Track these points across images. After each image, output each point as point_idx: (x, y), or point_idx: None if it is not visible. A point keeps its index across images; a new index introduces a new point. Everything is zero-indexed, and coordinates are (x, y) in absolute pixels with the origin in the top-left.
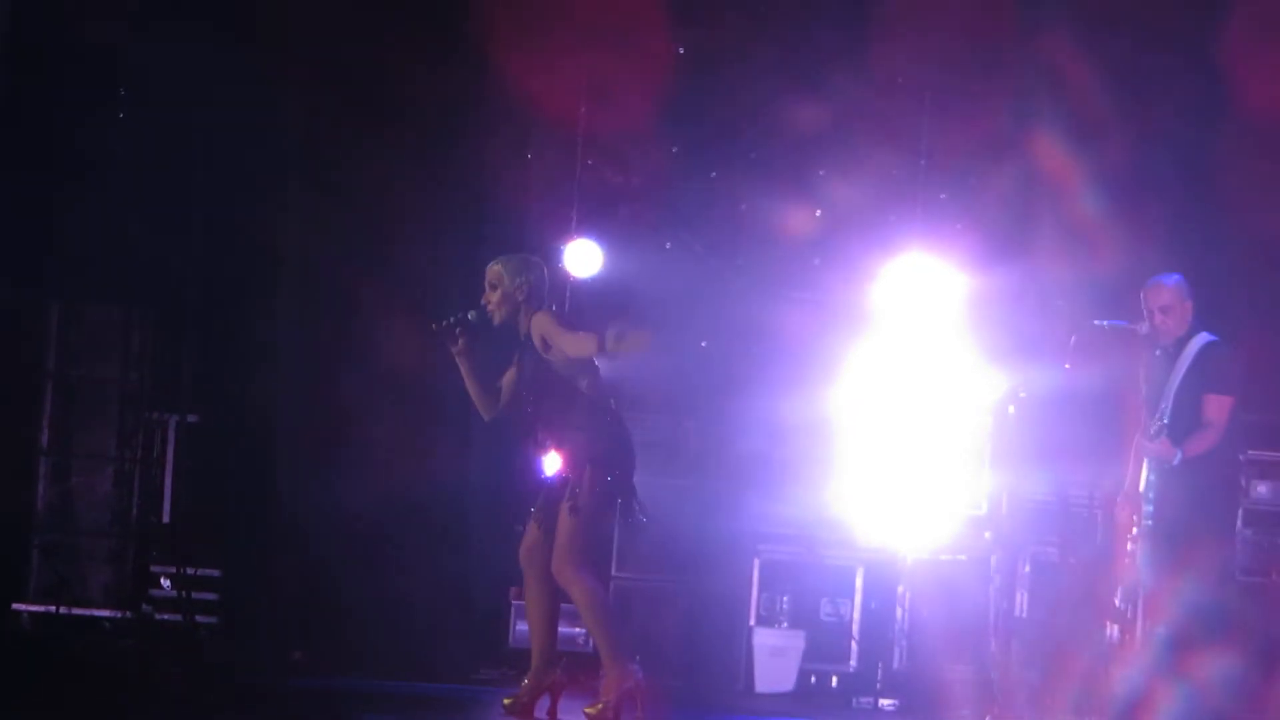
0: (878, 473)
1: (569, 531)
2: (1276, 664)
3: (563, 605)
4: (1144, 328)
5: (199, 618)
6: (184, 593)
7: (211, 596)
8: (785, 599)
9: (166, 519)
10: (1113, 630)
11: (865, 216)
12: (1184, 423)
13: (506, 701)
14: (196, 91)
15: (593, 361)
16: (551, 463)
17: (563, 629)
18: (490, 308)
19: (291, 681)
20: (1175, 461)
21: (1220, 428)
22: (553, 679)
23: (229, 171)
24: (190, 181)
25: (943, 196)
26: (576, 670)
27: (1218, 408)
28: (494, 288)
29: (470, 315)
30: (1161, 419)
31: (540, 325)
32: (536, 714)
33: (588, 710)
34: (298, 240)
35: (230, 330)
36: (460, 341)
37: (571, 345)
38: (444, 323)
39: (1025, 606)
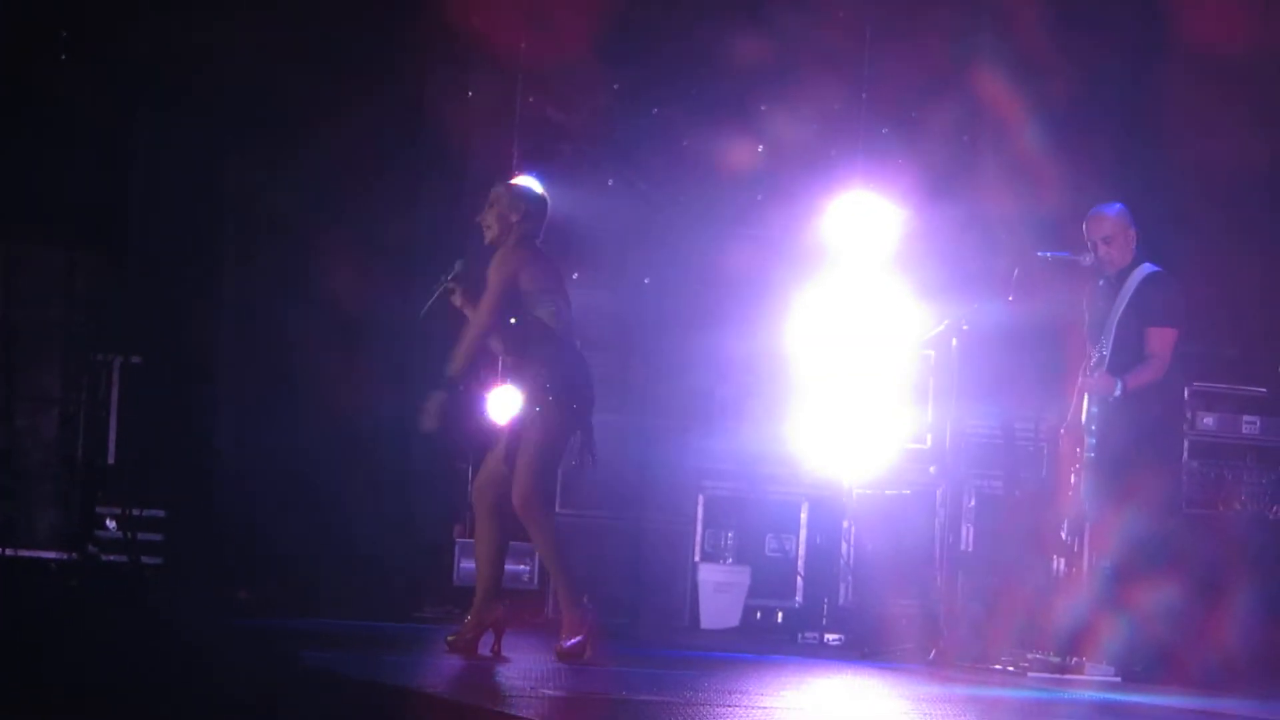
0: (822, 408)
1: (530, 466)
2: (1220, 595)
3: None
4: (1087, 259)
5: (144, 559)
6: (129, 534)
7: (157, 538)
8: (730, 535)
9: (111, 460)
10: (1058, 563)
11: (808, 151)
12: (1126, 354)
13: (450, 639)
14: (138, 31)
15: (562, 294)
16: (507, 399)
17: (507, 566)
18: (484, 224)
19: (236, 621)
20: (1116, 394)
21: (1164, 360)
22: (495, 616)
23: (170, 112)
24: (132, 122)
25: (885, 131)
26: (519, 607)
27: (1160, 340)
28: (490, 206)
29: (457, 266)
30: (1101, 351)
31: (497, 259)
32: (480, 651)
33: (560, 649)
34: (239, 179)
35: (173, 271)
36: (458, 294)
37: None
38: (437, 292)
39: (970, 540)
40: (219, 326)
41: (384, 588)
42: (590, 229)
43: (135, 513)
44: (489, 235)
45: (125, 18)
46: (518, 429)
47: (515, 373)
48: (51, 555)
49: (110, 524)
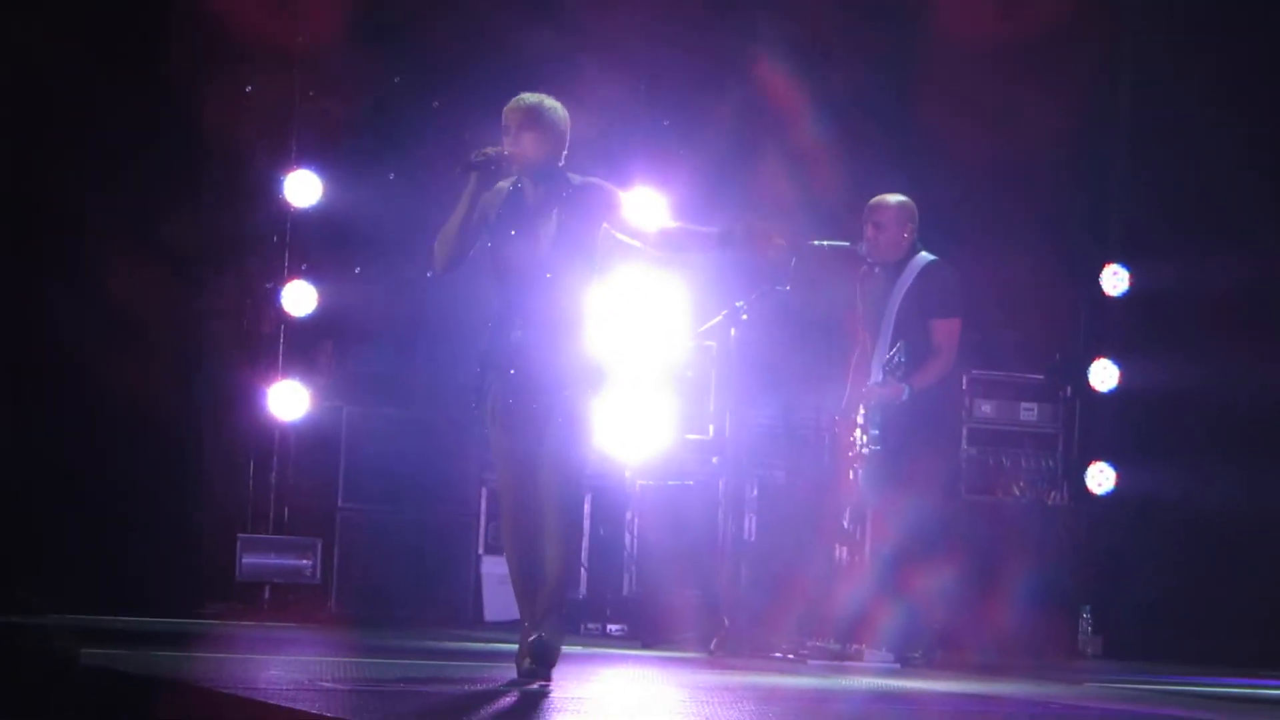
0: (603, 399)
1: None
2: (998, 581)
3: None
4: (862, 246)
5: None
6: None
7: None
8: None
9: None
10: (840, 551)
11: (588, 144)
12: (910, 348)
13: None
14: None
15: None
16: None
17: (289, 560)
18: (516, 150)
19: (14, 619)
20: (904, 399)
21: (950, 353)
22: None
23: None
24: None
25: (665, 123)
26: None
27: (945, 332)
28: (528, 128)
29: (507, 151)
30: (899, 357)
31: (609, 192)
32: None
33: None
34: (10, 172)
35: None
36: (494, 178)
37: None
38: (488, 153)
39: (753, 529)
40: None
41: (166, 584)
42: (371, 223)
43: None
44: (530, 156)
45: None
46: (538, 402)
47: (554, 334)
48: None
49: None
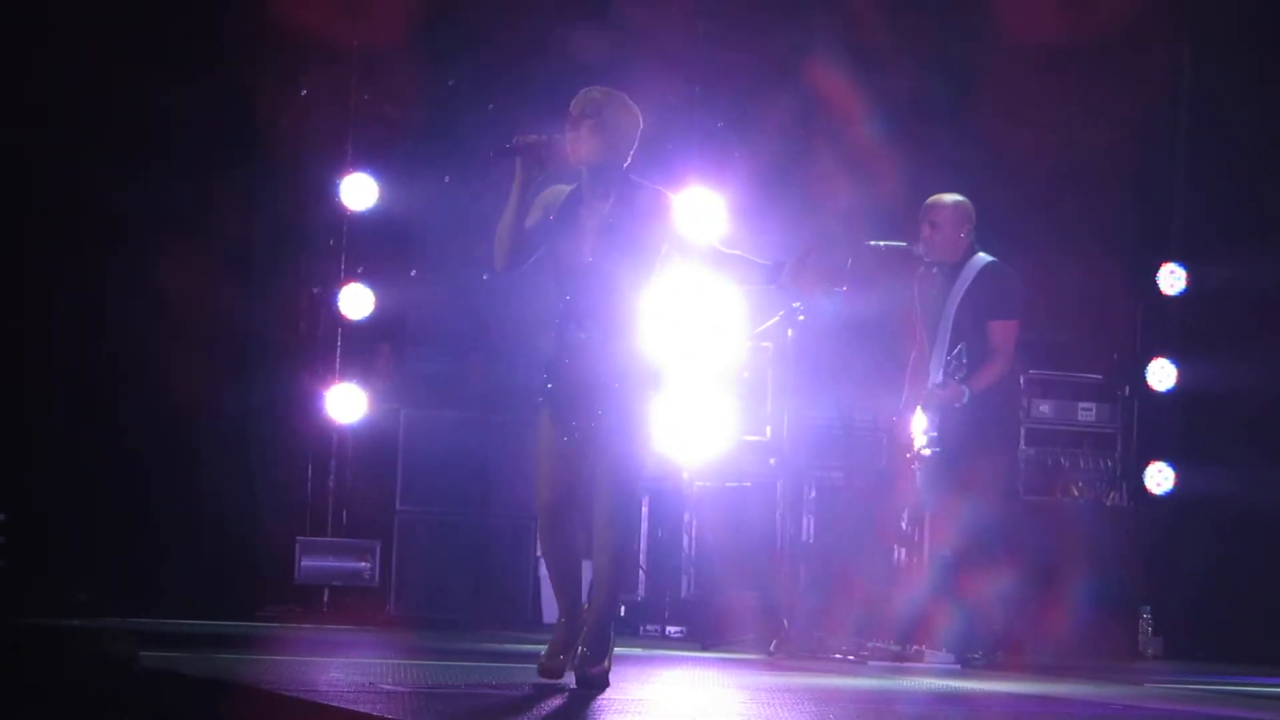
0: (661, 401)
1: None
2: (1057, 582)
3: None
4: (920, 247)
5: None
6: None
7: None
8: None
9: None
10: (898, 552)
11: (643, 146)
12: (969, 350)
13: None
14: None
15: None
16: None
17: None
18: (574, 141)
19: (76, 622)
20: (964, 401)
21: (1008, 353)
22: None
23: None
24: None
25: (720, 125)
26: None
27: (1003, 333)
28: (588, 116)
29: (555, 138)
30: (960, 358)
31: (664, 200)
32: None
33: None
34: (73, 179)
35: (2, 267)
36: (538, 166)
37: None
38: (534, 137)
39: (811, 531)
40: (53, 319)
41: (225, 587)
42: (427, 225)
43: None
44: (581, 154)
45: None
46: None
47: (610, 335)
48: None
49: None
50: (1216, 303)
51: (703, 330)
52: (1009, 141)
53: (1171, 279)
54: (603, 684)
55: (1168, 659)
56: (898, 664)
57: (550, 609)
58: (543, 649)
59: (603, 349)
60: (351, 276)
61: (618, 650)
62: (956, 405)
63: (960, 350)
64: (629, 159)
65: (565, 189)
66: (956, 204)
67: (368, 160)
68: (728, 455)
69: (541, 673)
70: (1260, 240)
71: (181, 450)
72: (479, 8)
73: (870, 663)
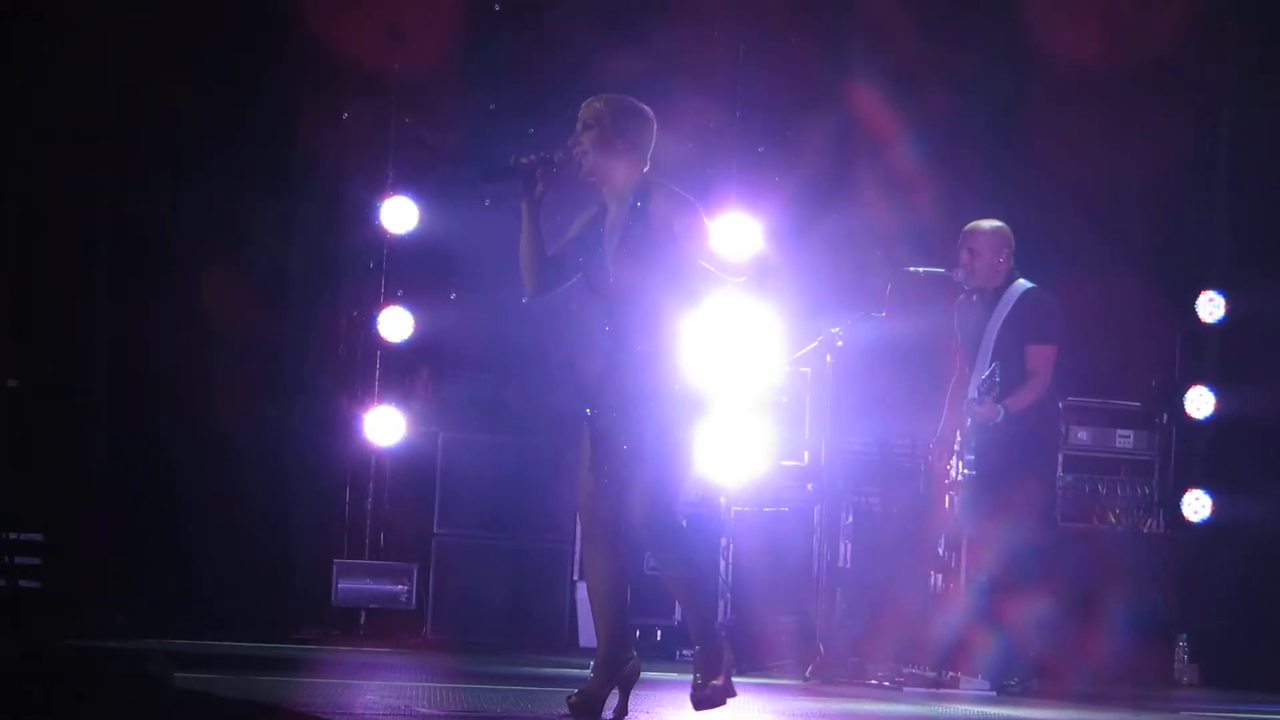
0: (700, 426)
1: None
2: (1094, 609)
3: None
4: (959, 273)
5: (21, 583)
6: (6, 558)
7: (34, 561)
8: None
9: None
10: (935, 578)
11: (683, 170)
12: (1007, 373)
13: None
14: None
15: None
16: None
17: (384, 585)
18: (578, 150)
19: (113, 644)
20: (999, 420)
21: (1045, 378)
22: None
23: (40, 130)
24: (6, 142)
25: (760, 149)
26: (397, 628)
27: (1040, 358)
28: (589, 127)
29: (556, 156)
30: (994, 377)
31: (669, 201)
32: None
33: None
34: (112, 203)
35: (45, 290)
36: (539, 187)
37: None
38: (530, 157)
39: (848, 556)
40: (94, 345)
41: (262, 609)
42: (467, 249)
43: (11, 536)
44: (587, 164)
45: None
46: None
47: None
48: None
49: None
50: (1256, 331)
51: (741, 355)
52: (1048, 166)
53: (1211, 306)
54: (716, 701)
55: (1204, 686)
56: (934, 690)
57: (587, 632)
58: (579, 672)
59: (637, 373)
60: (391, 299)
61: (654, 675)
62: (992, 424)
63: (995, 369)
64: (647, 163)
65: (594, 210)
66: (995, 229)
67: (408, 184)
68: (765, 480)
69: (571, 709)
70: None
71: (220, 472)
72: (519, 33)
73: (907, 689)
